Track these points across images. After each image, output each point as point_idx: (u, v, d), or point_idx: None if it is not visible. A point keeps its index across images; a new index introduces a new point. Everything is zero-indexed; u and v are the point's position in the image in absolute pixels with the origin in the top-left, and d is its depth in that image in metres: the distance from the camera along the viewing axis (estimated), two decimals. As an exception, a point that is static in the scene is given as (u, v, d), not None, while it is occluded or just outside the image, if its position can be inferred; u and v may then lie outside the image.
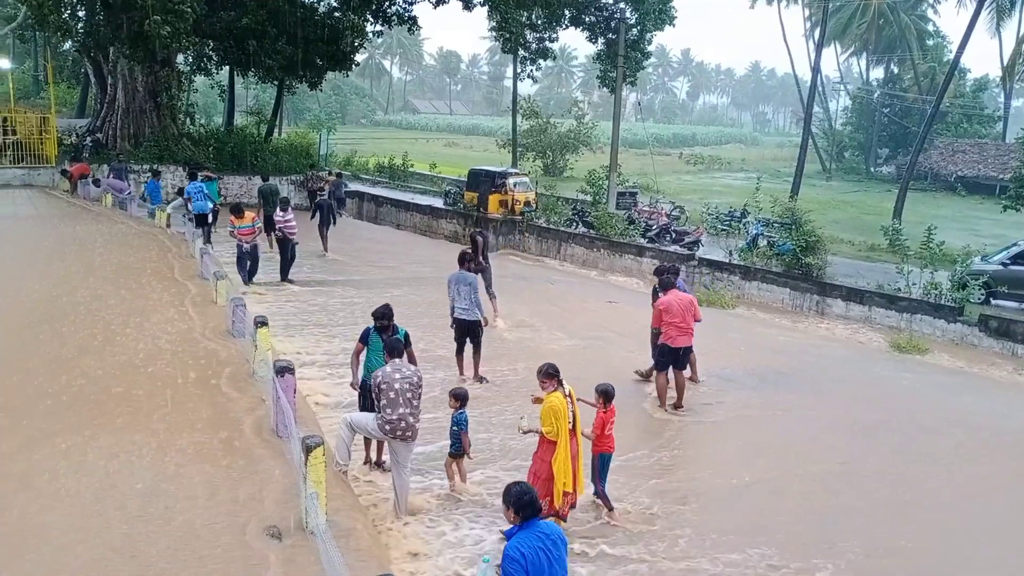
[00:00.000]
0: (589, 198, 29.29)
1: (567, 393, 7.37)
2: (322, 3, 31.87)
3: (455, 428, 7.93)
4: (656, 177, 39.35)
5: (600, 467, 8.00)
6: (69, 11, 25.29)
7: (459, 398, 7.94)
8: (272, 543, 6.16)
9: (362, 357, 8.56)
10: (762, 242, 23.04)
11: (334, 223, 20.80)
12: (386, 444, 7.84)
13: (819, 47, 45.50)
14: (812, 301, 20.42)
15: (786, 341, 16.70)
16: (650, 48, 34.28)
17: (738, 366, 13.50)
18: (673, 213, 29.31)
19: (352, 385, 8.82)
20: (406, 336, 8.27)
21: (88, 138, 27.55)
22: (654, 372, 11.28)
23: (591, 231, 25.67)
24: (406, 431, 7.37)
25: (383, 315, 8.36)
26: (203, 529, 6.27)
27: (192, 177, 20.27)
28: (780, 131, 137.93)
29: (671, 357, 10.71)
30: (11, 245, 16.53)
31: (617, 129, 30.59)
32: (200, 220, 18.01)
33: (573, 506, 7.61)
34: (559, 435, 7.15)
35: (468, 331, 11.17)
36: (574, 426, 7.35)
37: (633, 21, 31.67)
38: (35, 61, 46.86)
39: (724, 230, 27.94)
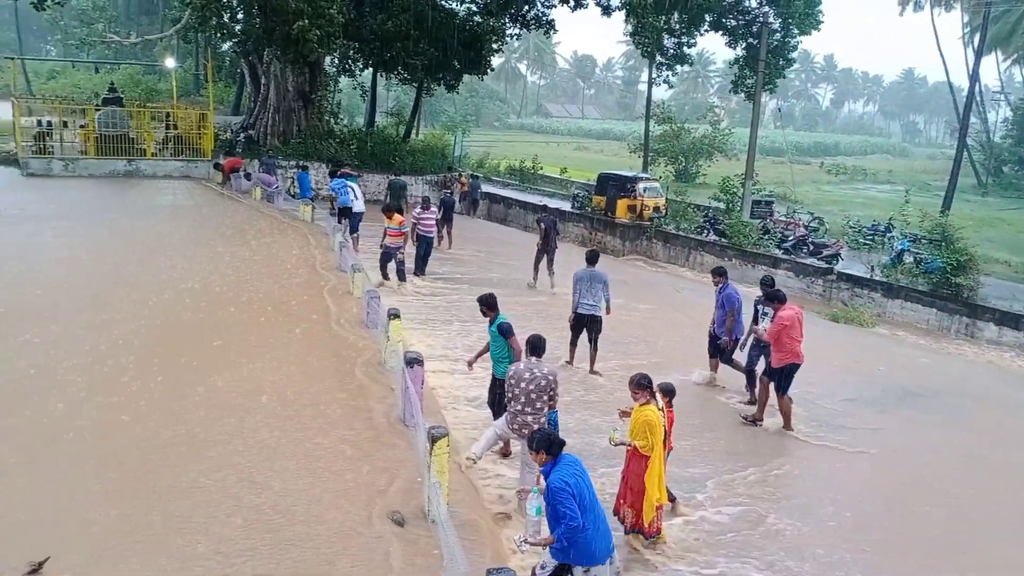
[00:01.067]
0: (722, 206, 28.62)
1: (661, 406, 7.17)
2: (462, 7, 32.63)
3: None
4: (794, 186, 37.95)
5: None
6: (228, 14, 26.93)
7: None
8: (395, 528, 6.35)
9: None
10: (908, 259, 21.82)
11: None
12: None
13: (978, 55, 42.62)
14: (960, 323, 19.18)
15: (929, 364, 15.76)
16: (793, 54, 33.14)
17: (876, 387, 12.85)
18: (811, 224, 28.20)
19: (468, 363, 9.30)
20: (500, 326, 8.51)
21: (241, 134, 29.25)
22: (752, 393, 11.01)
23: (723, 239, 25.07)
24: (522, 429, 7.41)
25: (481, 302, 8.81)
26: (331, 509, 6.53)
27: (334, 173, 21.28)
28: (932, 142, 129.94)
29: (792, 375, 10.28)
30: (171, 232, 17.75)
31: (754, 136, 29.74)
32: (344, 213, 18.99)
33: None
34: (654, 449, 6.96)
35: (588, 325, 11.68)
36: (666, 439, 7.16)
37: (777, 26, 30.70)
38: (196, 61, 50.12)
39: (866, 244, 26.65)
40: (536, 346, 7.57)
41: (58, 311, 11.11)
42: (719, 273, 11.62)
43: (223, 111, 38.25)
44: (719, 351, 11.57)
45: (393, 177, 22.97)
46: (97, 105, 27.87)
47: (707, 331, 11.76)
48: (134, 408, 8.15)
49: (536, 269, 17.41)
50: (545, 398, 7.38)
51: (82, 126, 27.35)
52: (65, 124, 28.20)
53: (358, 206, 19.21)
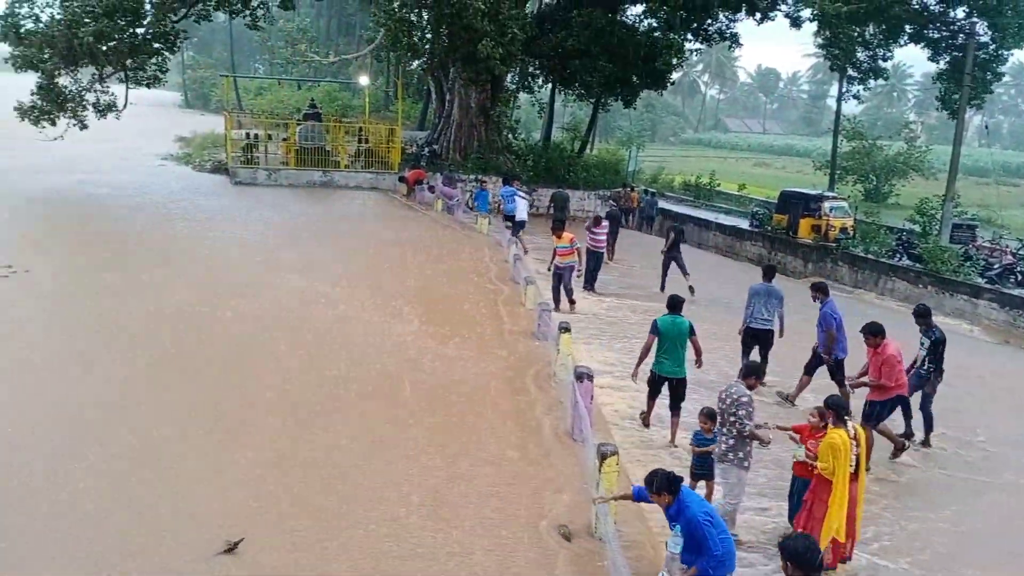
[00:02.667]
0: (917, 228, 26.68)
1: (853, 434, 6.71)
2: (643, 22, 32.50)
3: (699, 448, 7.52)
4: (1001, 210, 34.75)
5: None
6: (418, 34, 28.27)
7: (713, 418, 7.46)
8: (562, 542, 6.37)
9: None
10: None
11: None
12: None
13: None
14: None
15: None
16: (1003, 67, 30.36)
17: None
18: (1020, 252, 25.71)
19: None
20: (691, 327, 9.22)
21: (426, 148, 30.57)
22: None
23: (917, 265, 23.34)
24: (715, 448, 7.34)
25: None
26: (500, 516, 6.66)
27: (506, 182, 22.49)
28: None
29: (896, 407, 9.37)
30: (360, 237, 18.83)
31: (957, 154, 27.53)
32: (508, 220, 20.07)
33: (845, 560, 6.97)
34: (836, 475, 6.55)
35: (761, 340, 11.52)
36: (856, 470, 6.69)
37: (988, 38, 28.26)
38: (387, 79, 52.94)
39: (1086, 276, 23.93)
40: (744, 368, 7.49)
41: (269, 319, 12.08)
42: (819, 289, 10.97)
43: (409, 126, 40.11)
44: (830, 372, 10.83)
45: (557, 190, 23.47)
46: (298, 120, 30.06)
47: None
48: (316, 406, 8.70)
49: (664, 275, 17.95)
50: (731, 420, 7.05)
51: (284, 139, 29.56)
52: (270, 137, 30.60)
53: (521, 215, 20.07)
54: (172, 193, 23.45)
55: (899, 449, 9.44)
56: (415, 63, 36.58)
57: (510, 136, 32.72)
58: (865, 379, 9.24)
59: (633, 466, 8.18)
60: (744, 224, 30.57)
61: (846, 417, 6.76)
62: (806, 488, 7.06)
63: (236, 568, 5.76)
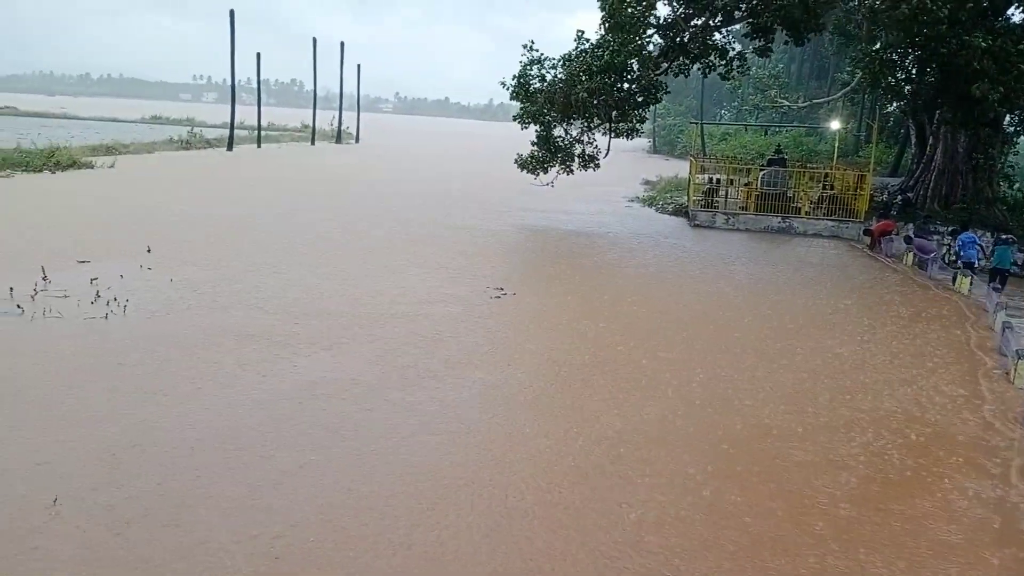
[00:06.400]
0: None
1: None
2: None
3: None
4: None
5: None
6: (902, 75, 26.25)
7: None
8: None
9: None
10: None
11: None
12: None
13: None
14: None
15: None
16: None
17: None
18: None
19: None
20: None
21: (898, 196, 28.26)
22: None
23: None
24: None
25: None
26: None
27: (963, 228, 21.49)
28: None
29: None
30: (815, 288, 18.10)
31: None
32: (968, 268, 19.25)
33: None
34: None
35: None
36: None
37: None
38: (859, 122, 50.24)
39: None
40: None
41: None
42: None
43: (880, 172, 37.49)
44: None
45: None
46: (761, 165, 30.04)
47: None
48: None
49: None
50: None
51: (745, 184, 29.76)
52: (731, 182, 31.09)
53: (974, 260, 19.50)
54: (636, 233, 25.11)
55: None
56: (893, 105, 34.16)
57: (1004, 185, 28.65)
58: None
59: None
60: None
61: None
62: None
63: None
